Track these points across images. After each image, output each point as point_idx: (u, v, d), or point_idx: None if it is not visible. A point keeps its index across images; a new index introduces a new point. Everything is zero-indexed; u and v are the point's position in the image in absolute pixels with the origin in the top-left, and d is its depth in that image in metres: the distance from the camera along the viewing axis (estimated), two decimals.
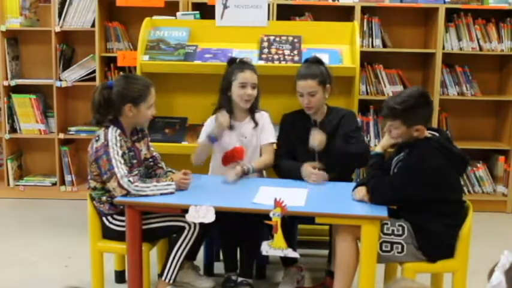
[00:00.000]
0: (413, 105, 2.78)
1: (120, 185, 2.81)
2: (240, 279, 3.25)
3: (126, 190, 2.82)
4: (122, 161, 2.87)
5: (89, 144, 2.99)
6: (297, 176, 3.20)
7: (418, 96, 2.82)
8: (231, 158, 3.31)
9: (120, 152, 2.89)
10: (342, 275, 2.83)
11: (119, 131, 2.93)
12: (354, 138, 3.27)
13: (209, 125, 3.39)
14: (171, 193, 2.90)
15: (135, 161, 3.01)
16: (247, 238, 3.22)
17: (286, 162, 3.31)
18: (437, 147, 2.74)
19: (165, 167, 3.17)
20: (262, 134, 3.38)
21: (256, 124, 3.37)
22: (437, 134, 2.84)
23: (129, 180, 2.82)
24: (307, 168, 3.18)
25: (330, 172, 3.20)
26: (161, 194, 2.88)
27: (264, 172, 3.45)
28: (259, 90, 3.37)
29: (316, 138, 3.18)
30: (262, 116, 3.40)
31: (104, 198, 2.97)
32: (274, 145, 3.41)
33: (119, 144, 2.89)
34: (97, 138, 2.93)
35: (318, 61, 3.35)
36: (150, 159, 3.15)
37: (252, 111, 3.38)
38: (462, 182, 4.81)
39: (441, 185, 2.74)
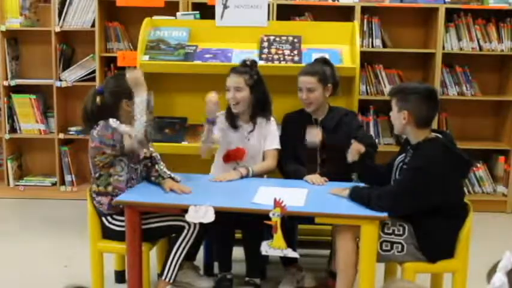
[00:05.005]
0: (412, 90, 2.80)
1: (133, 137, 2.81)
2: (246, 278, 3.26)
3: (135, 136, 2.80)
4: (119, 123, 2.88)
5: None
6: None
7: (422, 87, 2.85)
8: (232, 157, 3.37)
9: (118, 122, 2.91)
10: (343, 275, 2.84)
11: (118, 122, 2.94)
12: (359, 134, 3.27)
13: (218, 123, 3.35)
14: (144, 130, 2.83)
15: (133, 158, 3.02)
16: (250, 238, 3.21)
17: (291, 168, 3.34)
18: (441, 149, 2.73)
19: (165, 169, 3.15)
20: (267, 139, 3.38)
21: (254, 127, 3.37)
22: (440, 136, 2.82)
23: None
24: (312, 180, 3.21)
25: (331, 170, 3.23)
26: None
27: None
28: (264, 95, 3.35)
29: (314, 134, 3.20)
30: (269, 122, 3.40)
31: (109, 188, 2.97)
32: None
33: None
34: (95, 126, 2.94)
35: (324, 61, 3.42)
36: (148, 160, 3.15)
37: (253, 115, 3.37)
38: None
39: (445, 189, 2.72)
